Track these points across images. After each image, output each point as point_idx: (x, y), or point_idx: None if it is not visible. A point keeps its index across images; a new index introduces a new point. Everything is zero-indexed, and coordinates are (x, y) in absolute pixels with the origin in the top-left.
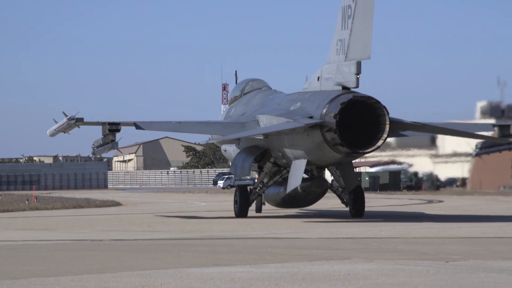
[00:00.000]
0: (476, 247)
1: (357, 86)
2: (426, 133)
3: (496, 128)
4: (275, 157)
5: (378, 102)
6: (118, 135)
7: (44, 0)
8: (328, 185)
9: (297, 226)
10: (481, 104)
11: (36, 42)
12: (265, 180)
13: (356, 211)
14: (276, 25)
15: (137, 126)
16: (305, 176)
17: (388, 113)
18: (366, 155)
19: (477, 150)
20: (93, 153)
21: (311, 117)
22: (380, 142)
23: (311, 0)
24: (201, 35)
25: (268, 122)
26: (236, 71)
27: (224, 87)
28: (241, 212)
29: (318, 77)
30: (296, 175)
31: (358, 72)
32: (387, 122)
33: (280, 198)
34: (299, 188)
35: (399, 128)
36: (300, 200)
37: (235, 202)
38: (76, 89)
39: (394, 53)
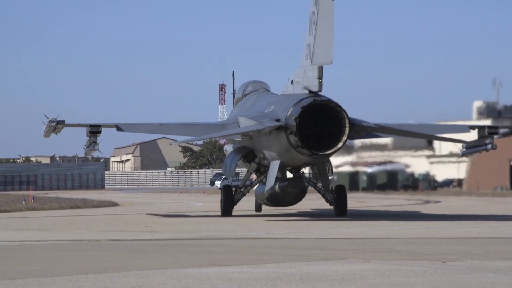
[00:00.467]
0: (473, 247)
1: (319, 90)
2: (387, 135)
3: (477, 130)
4: (259, 157)
5: (338, 105)
6: (101, 136)
7: (43, 1)
8: (306, 185)
9: (295, 226)
10: (477, 104)
11: (34, 42)
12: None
13: (339, 210)
14: (275, 26)
15: (118, 128)
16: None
17: (347, 116)
18: (365, 155)
19: (464, 150)
20: (85, 154)
21: (278, 120)
22: (340, 144)
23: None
24: (199, 35)
25: (244, 124)
26: (233, 72)
27: (221, 88)
28: (225, 211)
29: (292, 81)
30: (271, 175)
31: (320, 77)
32: (347, 125)
33: (264, 198)
34: (277, 188)
35: (361, 130)
36: (280, 200)
37: (221, 201)
38: (74, 89)
39: (392, 54)
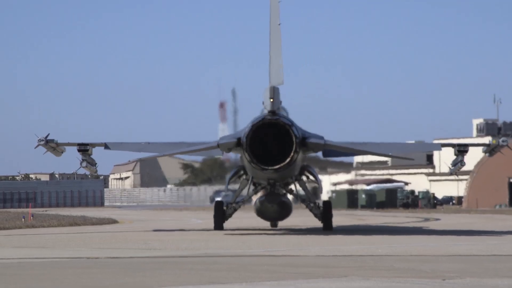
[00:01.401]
0: (472, 265)
1: (272, 110)
2: (351, 153)
3: (455, 147)
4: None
5: (287, 124)
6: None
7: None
8: (285, 200)
9: (294, 243)
10: (477, 121)
11: (33, 57)
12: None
13: (325, 225)
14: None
15: (107, 146)
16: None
17: (295, 134)
18: (364, 173)
19: (451, 168)
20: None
21: (239, 139)
22: (288, 159)
23: (306, 17)
24: (199, 50)
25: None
26: (234, 89)
27: (222, 105)
28: (216, 225)
29: (263, 101)
30: (248, 190)
31: (271, 97)
32: (294, 142)
33: (255, 212)
34: (257, 202)
35: (314, 147)
36: (265, 214)
37: (214, 216)
38: (74, 105)
39: (392, 72)
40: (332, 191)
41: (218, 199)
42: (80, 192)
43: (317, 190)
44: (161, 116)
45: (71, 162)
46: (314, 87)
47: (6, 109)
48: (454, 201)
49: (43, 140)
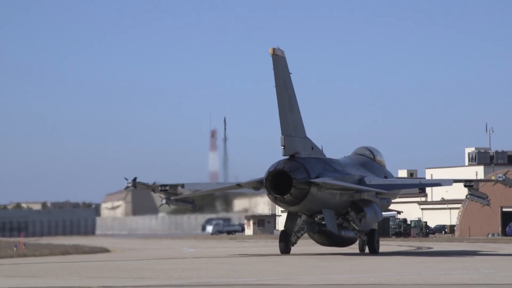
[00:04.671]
0: None
1: (284, 155)
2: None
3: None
4: None
5: (288, 172)
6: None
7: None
8: (324, 229)
9: (287, 272)
10: (469, 150)
11: (33, 85)
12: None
13: (370, 248)
14: (267, 73)
15: (183, 186)
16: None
17: (292, 178)
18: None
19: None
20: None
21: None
22: (288, 195)
23: (299, 47)
24: (189, 80)
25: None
26: (225, 118)
27: (213, 134)
28: (282, 251)
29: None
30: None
31: (282, 144)
32: (293, 183)
33: None
34: (308, 231)
35: (315, 186)
36: (316, 241)
37: (279, 242)
38: (63, 131)
39: (384, 101)
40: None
41: (210, 227)
42: (72, 221)
43: (364, 221)
44: (146, 144)
45: (62, 190)
46: (315, 122)
47: None
48: (446, 230)
49: (130, 183)
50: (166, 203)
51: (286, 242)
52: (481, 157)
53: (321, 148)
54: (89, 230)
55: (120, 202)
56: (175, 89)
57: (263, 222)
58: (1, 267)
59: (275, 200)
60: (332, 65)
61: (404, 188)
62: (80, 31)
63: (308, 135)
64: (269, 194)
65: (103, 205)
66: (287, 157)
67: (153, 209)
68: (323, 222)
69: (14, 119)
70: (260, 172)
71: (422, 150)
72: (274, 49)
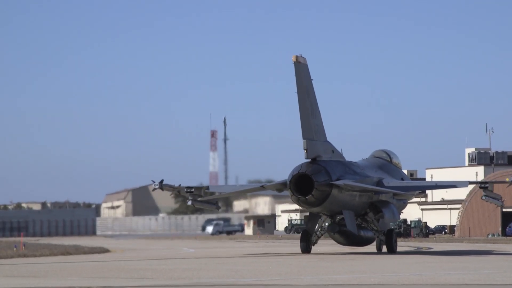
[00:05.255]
0: None
1: (306, 158)
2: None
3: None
4: None
5: (310, 175)
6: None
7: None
8: (344, 229)
9: (287, 272)
10: (469, 151)
11: (31, 85)
12: (324, 225)
13: (388, 248)
14: (267, 73)
15: (207, 188)
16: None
17: (314, 181)
18: None
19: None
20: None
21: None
22: (310, 196)
23: (301, 47)
24: (190, 79)
25: None
26: (225, 118)
27: (213, 134)
28: (303, 250)
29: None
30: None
31: (304, 148)
32: (314, 185)
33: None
34: (329, 231)
35: (336, 188)
36: (336, 240)
37: (300, 241)
38: (61, 134)
39: (385, 102)
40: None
41: (210, 227)
42: (72, 221)
43: (382, 221)
44: (147, 145)
45: (62, 190)
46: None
47: None
48: (446, 230)
49: (157, 185)
50: (192, 204)
51: (307, 242)
52: (481, 158)
53: (340, 151)
54: (89, 230)
55: (120, 202)
56: (175, 89)
57: (263, 222)
58: (1, 267)
59: (298, 201)
60: (331, 65)
61: (420, 189)
62: (79, 32)
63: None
64: (292, 195)
65: (103, 205)
66: (309, 160)
67: (153, 210)
68: (342, 223)
69: (14, 119)
70: (261, 172)
71: (422, 150)
72: (297, 57)
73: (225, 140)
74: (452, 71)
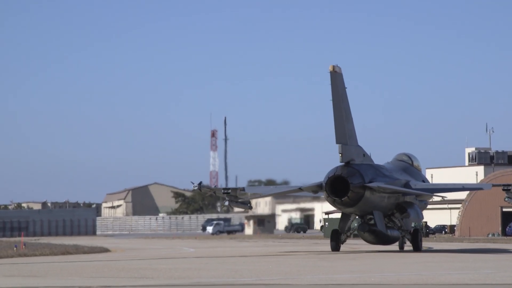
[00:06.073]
0: None
1: (341, 161)
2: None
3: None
4: None
5: (345, 177)
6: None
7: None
8: (375, 229)
9: (287, 272)
10: (469, 150)
11: (26, 85)
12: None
13: (414, 247)
14: (267, 71)
15: (243, 189)
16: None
17: (350, 183)
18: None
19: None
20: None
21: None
22: (345, 197)
23: (301, 46)
24: (191, 79)
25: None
26: (225, 118)
27: (213, 134)
28: (333, 249)
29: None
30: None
31: (339, 152)
32: (349, 187)
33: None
34: (359, 231)
35: (369, 190)
36: (365, 239)
37: (331, 240)
38: (62, 135)
39: (385, 102)
40: (325, 219)
41: (210, 227)
42: (72, 220)
43: (407, 221)
44: (148, 145)
45: (62, 190)
46: (315, 123)
47: None
48: (446, 230)
49: (196, 186)
50: (229, 204)
51: (337, 241)
52: (481, 157)
53: (370, 155)
54: (90, 230)
55: (121, 202)
56: (176, 89)
57: (263, 222)
58: (1, 267)
59: (334, 203)
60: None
61: (447, 192)
62: (79, 32)
63: (308, 135)
64: (328, 197)
65: (104, 205)
66: (343, 163)
67: (153, 209)
68: (371, 222)
69: (15, 120)
70: (259, 171)
71: (422, 150)
72: (333, 67)
73: (225, 139)
74: (452, 71)
